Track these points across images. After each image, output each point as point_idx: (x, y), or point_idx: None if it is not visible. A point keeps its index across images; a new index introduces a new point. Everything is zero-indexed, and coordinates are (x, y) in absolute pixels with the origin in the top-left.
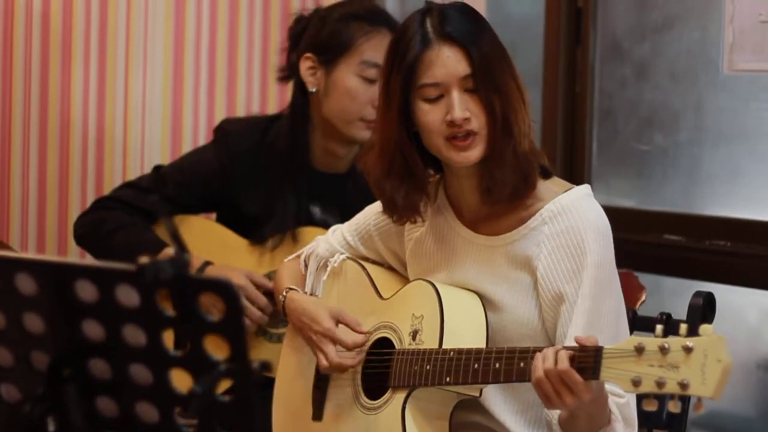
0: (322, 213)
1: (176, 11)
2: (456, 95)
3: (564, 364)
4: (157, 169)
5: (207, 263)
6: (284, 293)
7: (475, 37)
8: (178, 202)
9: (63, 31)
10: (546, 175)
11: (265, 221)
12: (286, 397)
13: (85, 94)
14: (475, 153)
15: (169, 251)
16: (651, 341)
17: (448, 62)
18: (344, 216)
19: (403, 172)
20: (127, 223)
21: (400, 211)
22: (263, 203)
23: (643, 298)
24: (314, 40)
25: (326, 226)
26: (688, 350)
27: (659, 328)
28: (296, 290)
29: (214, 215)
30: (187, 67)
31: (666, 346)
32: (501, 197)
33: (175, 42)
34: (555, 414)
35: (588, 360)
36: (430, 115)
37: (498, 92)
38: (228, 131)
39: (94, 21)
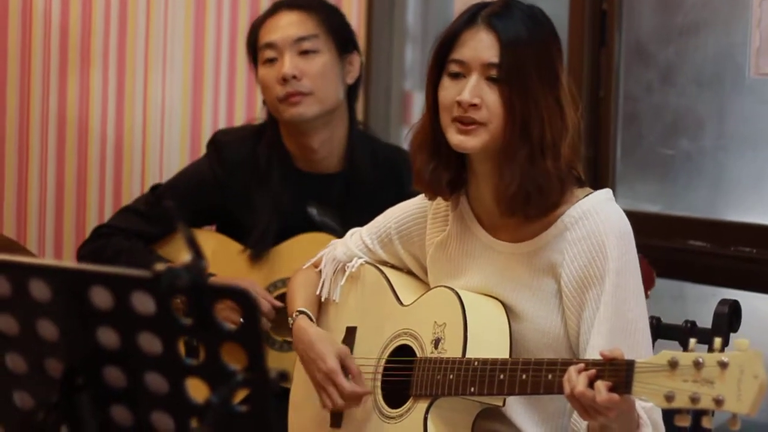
0: (319, 215)
1: (196, 15)
2: (473, 79)
3: (603, 395)
4: (154, 188)
5: (209, 275)
6: (294, 315)
7: (518, 34)
8: None
9: (82, 35)
10: (580, 185)
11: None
12: (303, 404)
13: (104, 98)
14: (472, 141)
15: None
16: (685, 356)
17: (479, 45)
18: (343, 216)
19: (432, 148)
20: (126, 248)
21: (427, 185)
22: (255, 211)
23: (654, 278)
24: None
25: (327, 227)
26: (723, 365)
27: (692, 342)
28: (306, 314)
29: (214, 227)
30: (206, 71)
31: (701, 360)
32: (510, 201)
33: (194, 45)
34: (583, 425)
35: (619, 374)
36: (446, 91)
37: (523, 94)
38: (221, 142)
39: (113, 24)
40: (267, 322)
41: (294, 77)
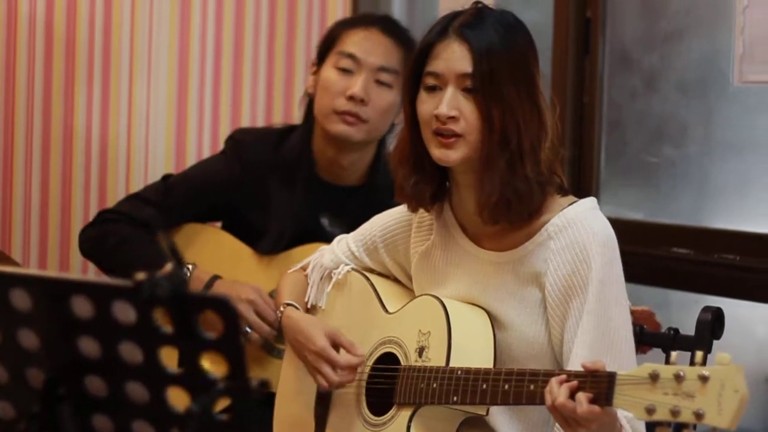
0: (330, 225)
1: (181, 22)
2: (450, 91)
3: (584, 407)
4: (166, 178)
5: (216, 277)
6: (281, 309)
7: (490, 43)
8: (186, 211)
9: (66, 41)
10: (563, 193)
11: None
12: (287, 413)
13: (88, 104)
14: (454, 154)
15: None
16: (666, 369)
17: (452, 57)
18: (353, 229)
19: (414, 162)
20: (130, 237)
21: (409, 199)
22: (269, 214)
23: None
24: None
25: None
26: (704, 379)
27: (674, 354)
28: (294, 306)
29: (219, 223)
30: (191, 78)
31: (681, 374)
32: (493, 210)
33: (179, 53)
34: None
35: (601, 386)
36: (424, 105)
37: (498, 102)
38: (241, 141)
39: (98, 30)
40: (272, 331)
41: (362, 101)
